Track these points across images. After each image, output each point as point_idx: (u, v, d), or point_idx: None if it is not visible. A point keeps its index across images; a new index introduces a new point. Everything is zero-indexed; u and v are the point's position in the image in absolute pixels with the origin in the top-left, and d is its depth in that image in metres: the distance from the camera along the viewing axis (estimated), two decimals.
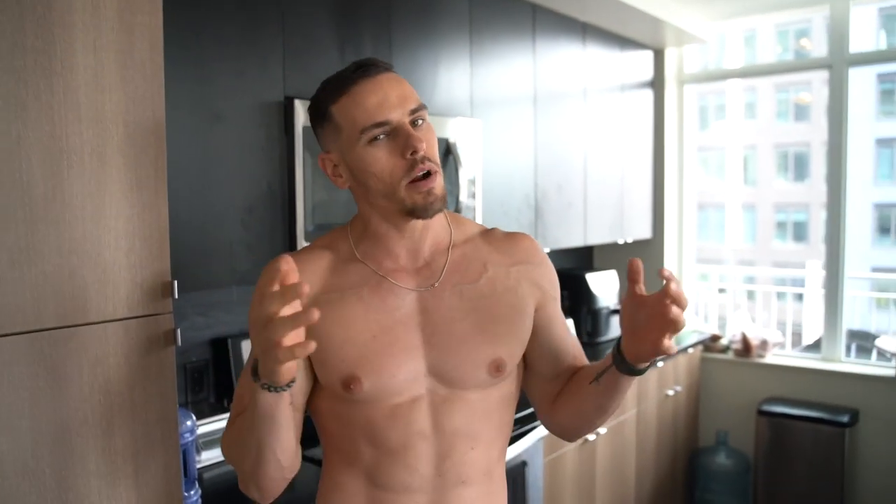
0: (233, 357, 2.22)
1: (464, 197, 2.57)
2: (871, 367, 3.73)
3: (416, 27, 2.46)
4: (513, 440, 2.43)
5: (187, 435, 1.67)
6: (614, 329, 3.78)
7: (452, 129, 2.52)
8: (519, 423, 2.46)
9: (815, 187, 17.25)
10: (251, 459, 1.06)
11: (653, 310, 1.00)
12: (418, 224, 1.14)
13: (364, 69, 1.10)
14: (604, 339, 3.71)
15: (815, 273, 8.06)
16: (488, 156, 2.77)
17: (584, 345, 2.95)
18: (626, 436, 3.33)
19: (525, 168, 3.03)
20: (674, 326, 0.99)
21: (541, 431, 2.60)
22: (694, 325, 4.17)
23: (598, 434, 3.04)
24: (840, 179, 3.66)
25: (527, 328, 1.21)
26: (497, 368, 1.15)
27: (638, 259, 1.03)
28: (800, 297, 6.79)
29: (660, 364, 3.53)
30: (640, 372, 1.10)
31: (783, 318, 5.14)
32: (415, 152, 1.07)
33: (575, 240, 3.38)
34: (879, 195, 16.94)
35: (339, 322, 1.12)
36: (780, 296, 6.54)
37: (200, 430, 2.04)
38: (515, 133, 2.97)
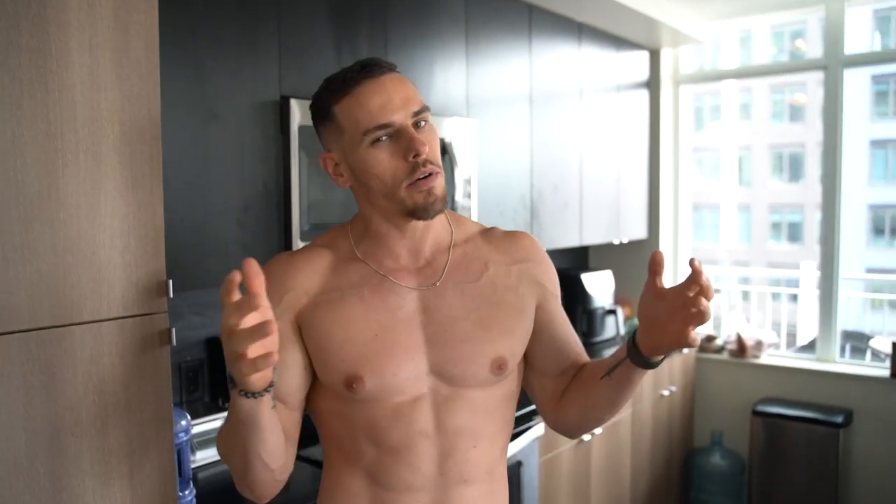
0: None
1: (459, 197, 2.57)
2: (865, 367, 3.74)
3: (413, 27, 2.46)
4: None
5: (182, 435, 1.67)
6: (609, 329, 3.79)
7: (448, 129, 2.52)
8: (514, 422, 2.46)
9: (810, 188, 17.30)
10: (239, 462, 1.06)
11: (674, 302, 1.01)
12: (419, 224, 1.14)
13: (368, 69, 1.09)
14: (599, 339, 3.71)
15: (809, 274, 8.10)
16: (484, 156, 2.77)
17: None
18: (621, 436, 3.33)
19: (521, 168, 3.03)
20: (701, 318, 0.99)
21: (536, 431, 2.60)
22: None
23: (593, 434, 3.05)
24: (835, 180, 3.67)
25: (528, 326, 1.21)
26: (499, 367, 1.15)
27: (661, 252, 1.04)
28: (794, 297, 6.80)
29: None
30: (655, 365, 1.11)
31: (778, 319, 5.15)
32: (417, 155, 1.07)
33: (571, 240, 3.38)
34: (874, 196, 17.00)
35: (340, 321, 1.12)
36: (775, 296, 6.56)
37: (195, 430, 2.04)
38: (511, 133, 2.97)
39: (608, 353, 3.31)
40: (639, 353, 1.09)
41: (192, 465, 1.99)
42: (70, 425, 1.20)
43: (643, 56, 3.97)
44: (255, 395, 0.94)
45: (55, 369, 1.18)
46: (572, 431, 1.31)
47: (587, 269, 3.99)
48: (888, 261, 16.21)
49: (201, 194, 1.85)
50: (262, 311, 0.88)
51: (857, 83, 15.83)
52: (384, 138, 1.08)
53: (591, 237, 3.54)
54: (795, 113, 18.34)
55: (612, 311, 3.80)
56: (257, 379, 0.90)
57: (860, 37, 13.02)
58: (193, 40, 1.82)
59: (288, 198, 2.03)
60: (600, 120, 3.56)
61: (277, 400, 1.13)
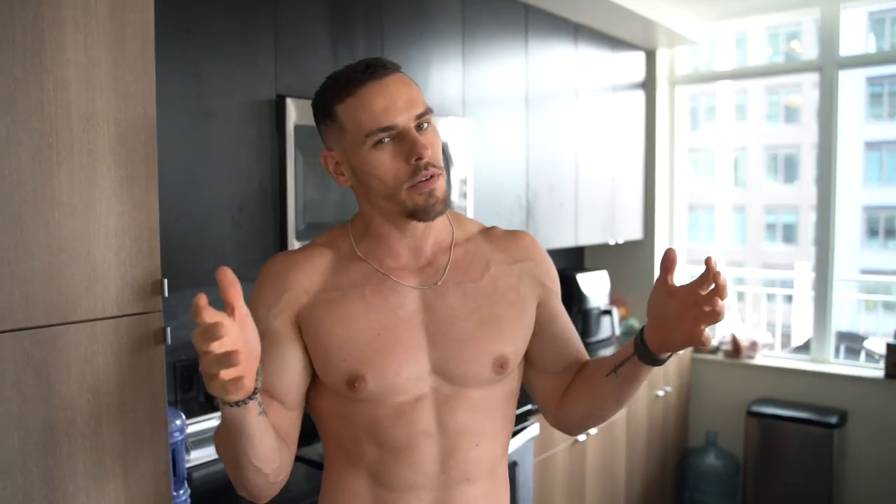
0: None
1: (455, 197, 2.57)
2: (859, 368, 3.75)
3: (409, 26, 2.46)
4: None
5: (177, 434, 1.66)
6: (605, 329, 3.79)
7: (444, 129, 2.52)
8: None
9: (805, 189, 17.36)
10: (232, 465, 1.06)
11: (686, 300, 1.02)
12: (420, 224, 1.14)
13: (372, 70, 1.09)
14: (594, 339, 3.72)
15: (804, 275, 8.11)
16: (480, 156, 2.77)
17: None
18: (616, 436, 3.34)
19: (517, 168, 3.03)
20: (716, 317, 1.00)
21: (531, 431, 2.60)
22: None
23: (588, 434, 3.05)
24: (829, 181, 3.68)
25: (529, 325, 1.22)
26: (501, 366, 1.16)
27: (674, 249, 1.04)
28: (789, 298, 6.83)
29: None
30: (662, 362, 1.11)
31: (773, 320, 5.17)
32: (419, 159, 1.07)
33: (566, 240, 3.38)
34: (868, 197, 17.06)
35: (341, 321, 1.12)
36: (770, 297, 6.57)
37: (190, 430, 2.03)
38: (507, 133, 2.97)
39: (604, 353, 3.31)
40: (647, 350, 1.10)
41: (187, 465, 1.98)
42: (64, 425, 1.19)
43: (639, 57, 3.97)
44: (237, 403, 0.93)
45: (49, 368, 1.18)
46: (575, 429, 1.32)
47: (583, 269, 3.99)
48: (882, 262, 16.27)
49: (197, 193, 1.85)
50: (240, 320, 0.89)
51: (851, 85, 15.89)
52: (386, 140, 1.08)
53: (587, 237, 3.54)
54: (790, 114, 18.39)
55: (608, 312, 3.80)
56: (233, 393, 0.89)
57: (855, 39, 13.06)
58: (189, 39, 1.81)
59: (283, 197, 2.03)
60: (596, 120, 3.56)
61: (275, 399, 1.13)
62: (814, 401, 3.68)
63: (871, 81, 16.65)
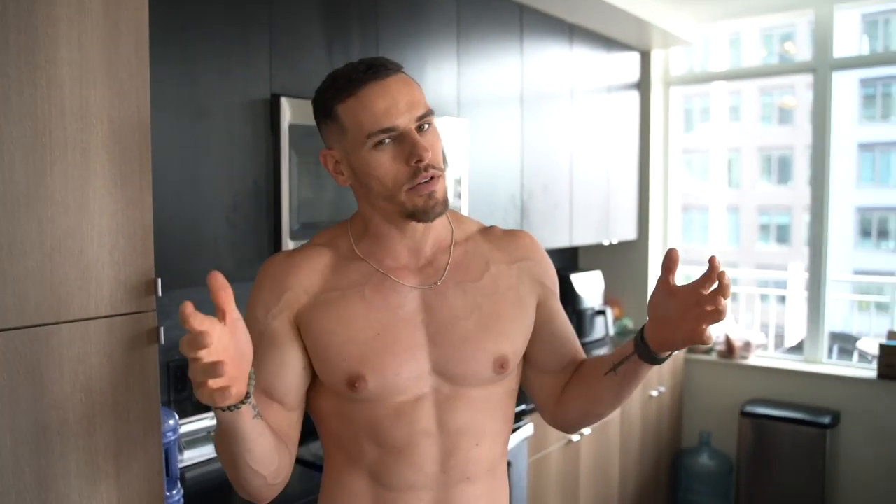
0: None
1: (450, 196, 2.57)
2: (852, 368, 3.77)
3: (404, 26, 2.46)
4: None
5: (170, 434, 1.66)
6: (599, 329, 3.79)
7: (439, 129, 2.51)
8: None
9: (799, 190, 17.41)
10: (230, 467, 1.05)
11: (687, 299, 1.02)
12: (420, 224, 1.14)
13: (374, 70, 1.08)
14: (589, 339, 3.72)
15: (797, 275, 8.13)
16: (475, 155, 2.77)
17: None
18: (609, 436, 3.34)
19: (511, 168, 3.03)
20: (718, 317, 1.00)
21: (525, 431, 2.60)
22: None
23: (582, 434, 3.05)
24: (823, 182, 3.69)
25: (529, 325, 1.22)
26: (501, 365, 1.16)
27: (676, 249, 1.04)
28: (782, 299, 6.84)
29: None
30: (662, 360, 1.12)
31: (766, 320, 5.18)
32: (419, 161, 1.07)
33: (560, 240, 3.38)
34: (862, 198, 17.12)
35: (341, 320, 1.11)
36: (763, 298, 6.60)
37: (183, 430, 2.02)
38: (502, 133, 2.97)
39: (598, 353, 3.32)
40: (647, 349, 1.10)
41: (180, 465, 1.98)
42: (56, 424, 1.19)
43: (634, 57, 3.98)
44: (229, 408, 0.92)
45: (42, 368, 1.17)
46: (572, 427, 1.32)
47: (577, 269, 4.00)
48: (875, 263, 16.32)
49: (191, 192, 1.84)
50: (231, 325, 0.89)
51: (845, 86, 15.95)
52: (387, 141, 1.08)
53: (581, 238, 3.54)
54: (784, 115, 18.44)
55: (602, 312, 3.81)
56: (221, 401, 0.88)
57: (849, 40, 13.12)
58: (184, 37, 1.81)
59: (278, 196, 2.02)
60: (591, 121, 3.57)
61: (275, 400, 1.12)
62: (807, 401, 3.70)
63: (865, 83, 16.72)
